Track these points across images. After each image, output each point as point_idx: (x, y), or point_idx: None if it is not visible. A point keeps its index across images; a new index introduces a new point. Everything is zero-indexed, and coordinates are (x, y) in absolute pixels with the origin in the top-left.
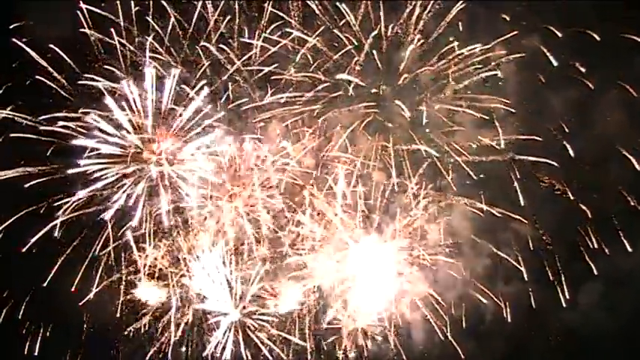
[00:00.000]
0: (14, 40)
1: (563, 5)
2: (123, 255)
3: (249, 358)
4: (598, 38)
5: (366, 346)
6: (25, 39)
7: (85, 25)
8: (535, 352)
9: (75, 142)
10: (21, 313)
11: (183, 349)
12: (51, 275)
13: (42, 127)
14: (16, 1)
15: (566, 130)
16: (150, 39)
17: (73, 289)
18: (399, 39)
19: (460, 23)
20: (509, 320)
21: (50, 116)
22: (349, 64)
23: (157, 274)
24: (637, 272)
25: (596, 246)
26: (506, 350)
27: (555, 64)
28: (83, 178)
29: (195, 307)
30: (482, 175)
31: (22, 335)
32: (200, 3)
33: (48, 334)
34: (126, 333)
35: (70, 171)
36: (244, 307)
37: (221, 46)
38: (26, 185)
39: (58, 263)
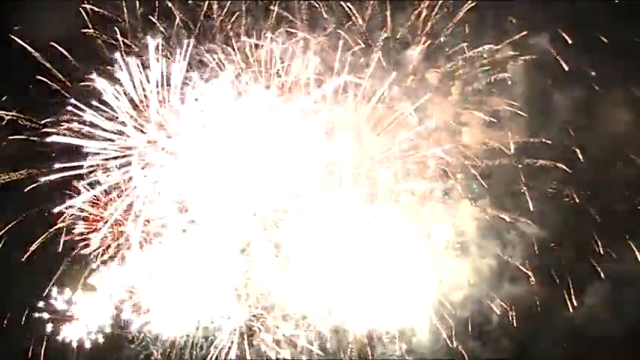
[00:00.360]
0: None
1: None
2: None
3: None
4: (606, 40)
5: (372, 348)
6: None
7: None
8: (540, 353)
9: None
10: None
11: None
12: None
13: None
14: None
15: (574, 132)
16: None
17: None
18: (407, 40)
19: (467, 24)
20: (514, 322)
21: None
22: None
23: None
24: None
25: (602, 248)
26: (511, 351)
27: (566, 68)
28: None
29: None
30: (488, 178)
31: None
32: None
33: None
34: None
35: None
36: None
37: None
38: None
39: None
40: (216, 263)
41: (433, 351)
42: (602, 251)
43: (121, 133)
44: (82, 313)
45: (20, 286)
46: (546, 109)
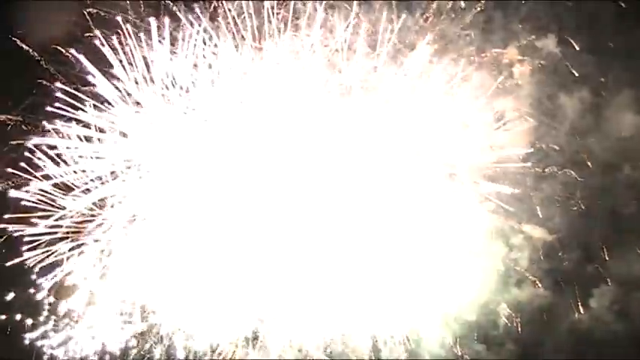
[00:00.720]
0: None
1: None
2: None
3: None
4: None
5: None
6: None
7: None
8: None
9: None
10: None
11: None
12: None
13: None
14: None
15: (581, 137)
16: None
17: None
18: (413, 41)
19: (475, 26)
20: (520, 326)
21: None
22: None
23: None
24: None
25: (607, 252)
26: (517, 355)
27: (576, 74)
28: None
29: None
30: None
31: None
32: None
33: None
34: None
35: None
36: None
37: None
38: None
39: None
40: (218, 264)
41: (437, 355)
42: (607, 256)
43: None
44: None
45: None
46: (554, 112)
